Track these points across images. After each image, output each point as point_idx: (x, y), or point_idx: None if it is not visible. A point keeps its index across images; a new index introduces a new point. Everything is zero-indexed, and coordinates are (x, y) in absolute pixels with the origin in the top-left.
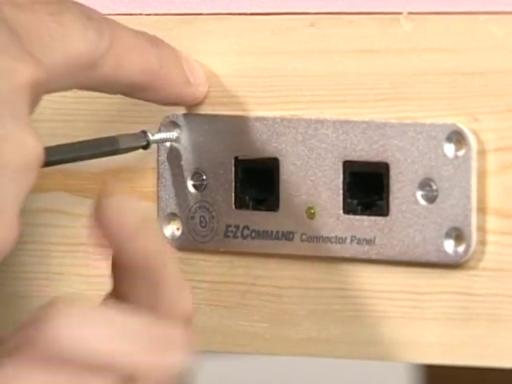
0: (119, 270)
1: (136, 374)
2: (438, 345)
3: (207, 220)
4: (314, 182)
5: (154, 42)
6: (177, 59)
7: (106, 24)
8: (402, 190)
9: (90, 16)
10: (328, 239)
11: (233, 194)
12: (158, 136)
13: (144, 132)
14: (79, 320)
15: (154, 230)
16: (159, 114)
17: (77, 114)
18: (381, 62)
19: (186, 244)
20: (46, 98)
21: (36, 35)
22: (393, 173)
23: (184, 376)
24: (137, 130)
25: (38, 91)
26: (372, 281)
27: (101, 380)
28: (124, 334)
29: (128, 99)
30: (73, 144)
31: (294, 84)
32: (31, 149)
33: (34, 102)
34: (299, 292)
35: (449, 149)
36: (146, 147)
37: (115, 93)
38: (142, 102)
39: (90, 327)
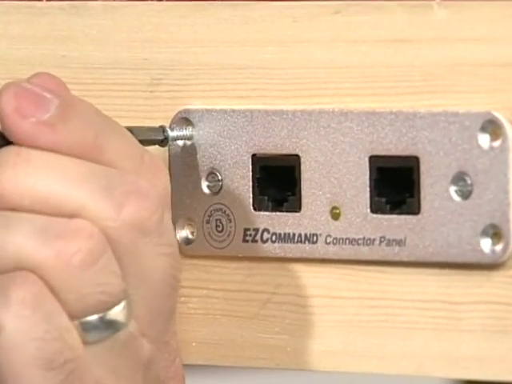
0: None
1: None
2: (474, 359)
3: (224, 224)
4: (338, 180)
5: None
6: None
7: None
8: (434, 186)
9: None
10: (355, 241)
11: (251, 195)
12: (176, 132)
13: (162, 127)
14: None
15: None
16: (172, 109)
17: None
18: (412, 52)
19: (201, 250)
20: None
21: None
22: (423, 167)
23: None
24: (149, 125)
25: None
26: (403, 289)
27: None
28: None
29: (139, 93)
30: None
31: (317, 76)
32: None
33: None
34: (324, 301)
35: (484, 139)
36: (163, 143)
37: None
38: (153, 96)
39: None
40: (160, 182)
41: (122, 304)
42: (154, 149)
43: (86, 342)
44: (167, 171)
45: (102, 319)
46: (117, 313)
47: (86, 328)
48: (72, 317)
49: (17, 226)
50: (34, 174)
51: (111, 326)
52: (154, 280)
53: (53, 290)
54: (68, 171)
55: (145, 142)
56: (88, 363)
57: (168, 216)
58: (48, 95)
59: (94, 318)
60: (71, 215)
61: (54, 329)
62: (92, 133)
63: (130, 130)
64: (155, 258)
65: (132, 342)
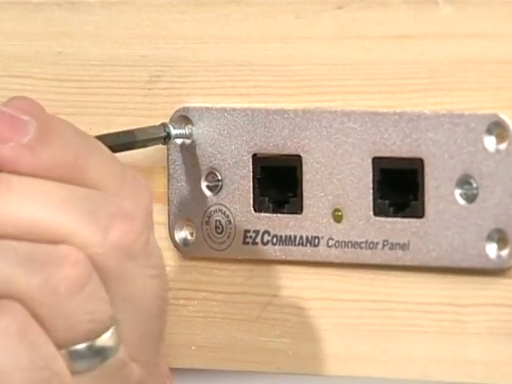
0: None
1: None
2: (481, 363)
3: (223, 225)
4: (340, 181)
5: None
6: None
7: None
8: (439, 189)
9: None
10: (357, 244)
11: (251, 196)
12: (174, 131)
13: (164, 124)
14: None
15: None
16: (171, 107)
17: (81, 107)
18: (417, 48)
19: (201, 251)
20: (47, 88)
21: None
22: (428, 169)
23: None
24: (146, 123)
25: None
26: (407, 291)
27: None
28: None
29: (137, 90)
30: None
31: (319, 73)
32: None
33: None
34: (326, 304)
35: (489, 142)
36: (166, 141)
37: None
38: (152, 93)
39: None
40: (143, 200)
41: (111, 330)
42: (152, 148)
43: (74, 371)
44: (149, 188)
45: (90, 347)
46: (105, 339)
47: (73, 357)
48: (59, 346)
49: (1, 255)
50: (17, 201)
51: (100, 353)
52: (143, 303)
53: (39, 319)
54: (51, 196)
55: (147, 142)
56: None
57: (153, 236)
58: (25, 118)
59: (82, 346)
60: (56, 241)
61: (40, 358)
62: (72, 154)
63: (132, 131)
64: (143, 280)
65: (122, 368)
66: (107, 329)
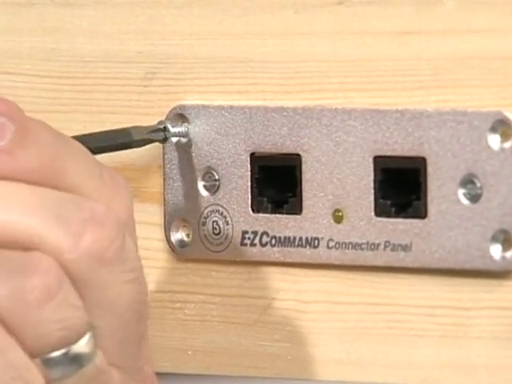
0: None
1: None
2: (484, 367)
3: (221, 226)
4: (341, 181)
5: None
6: None
7: None
8: (442, 189)
9: None
10: (358, 246)
11: (249, 196)
12: (176, 129)
13: (161, 123)
14: None
15: None
16: (167, 105)
17: (74, 104)
18: (419, 45)
19: (197, 253)
20: (40, 85)
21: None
22: (431, 169)
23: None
24: (142, 121)
25: None
26: (409, 294)
27: None
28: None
29: (132, 88)
30: (79, 137)
31: (320, 70)
32: None
33: None
34: (326, 307)
35: (494, 140)
36: (164, 140)
37: None
38: (147, 90)
39: None
40: (121, 201)
41: (87, 337)
42: (148, 147)
43: (50, 380)
44: (128, 188)
45: (65, 355)
46: (81, 346)
47: (48, 365)
48: (33, 354)
49: None
50: None
51: (76, 361)
52: (120, 309)
53: (9, 328)
54: (22, 200)
55: (144, 141)
56: None
57: (130, 239)
58: (2, 120)
59: (57, 354)
60: (28, 248)
61: (12, 368)
62: (49, 157)
63: (129, 130)
64: (119, 286)
65: (99, 375)
66: (82, 336)
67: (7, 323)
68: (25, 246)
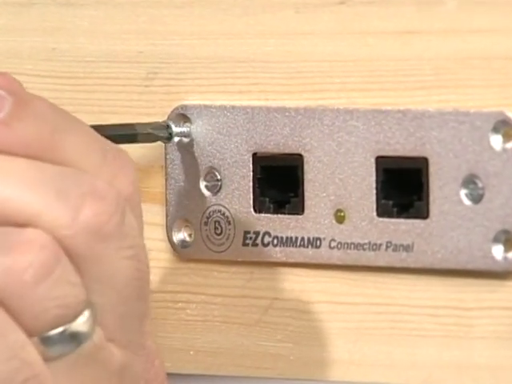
0: None
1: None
2: (486, 367)
3: (223, 226)
4: (343, 181)
5: None
6: None
7: None
8: (444, 189)
9: None
10: (360, 246)
11: (251, 196)
12: (179, 129)
13: (165, 122)
14: None
15: None
16: (169, 105)
17: (76, 105)
18: (421, 44)
19: (199, 253)
20: (41, 85)
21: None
22: (433, 169)
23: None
24: (143, 121)
25: None
26: (411, 294)
27: None
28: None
29: (133, 88)
30: None
31: (321, 70)
32: None
33: None
34: (328, 307)
35: (496, 140)
36: (168, 139)
37: None
38: (149, 90)
39: None
40: (125, 178)
41: (86, 314)
42: (150, 147)
43: (48, 358)
44: (134, 165)
45: (63, 332)
46: (79, 324)
47: (46, 343)
48: (30, 333)
49: None
50: None
51: (74, 338)
52: (119, 285)
53: (5, 307)
54: (19, 174)
55: (147, 139)
56: (52, 379)
57: (131, 216)
58: (1, 93)
59: (55, 332)
60: (24, 223)
61: (8, 347)
62: (48, 130)
63: (133, 126)
64: (118, 262)
65: (98, 352)
66: (80, 313)
67: (3, 302)
68: (21, 222)
